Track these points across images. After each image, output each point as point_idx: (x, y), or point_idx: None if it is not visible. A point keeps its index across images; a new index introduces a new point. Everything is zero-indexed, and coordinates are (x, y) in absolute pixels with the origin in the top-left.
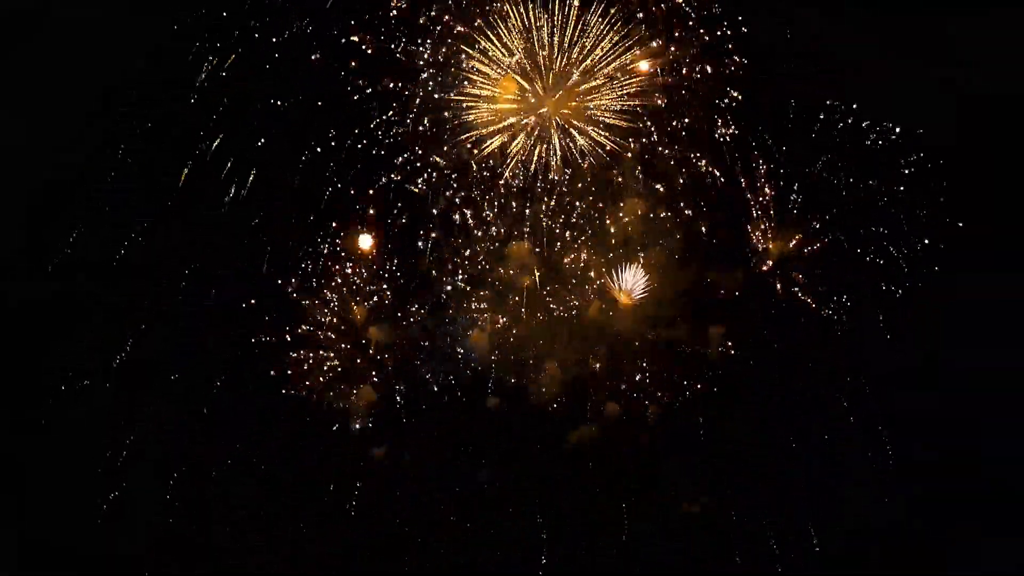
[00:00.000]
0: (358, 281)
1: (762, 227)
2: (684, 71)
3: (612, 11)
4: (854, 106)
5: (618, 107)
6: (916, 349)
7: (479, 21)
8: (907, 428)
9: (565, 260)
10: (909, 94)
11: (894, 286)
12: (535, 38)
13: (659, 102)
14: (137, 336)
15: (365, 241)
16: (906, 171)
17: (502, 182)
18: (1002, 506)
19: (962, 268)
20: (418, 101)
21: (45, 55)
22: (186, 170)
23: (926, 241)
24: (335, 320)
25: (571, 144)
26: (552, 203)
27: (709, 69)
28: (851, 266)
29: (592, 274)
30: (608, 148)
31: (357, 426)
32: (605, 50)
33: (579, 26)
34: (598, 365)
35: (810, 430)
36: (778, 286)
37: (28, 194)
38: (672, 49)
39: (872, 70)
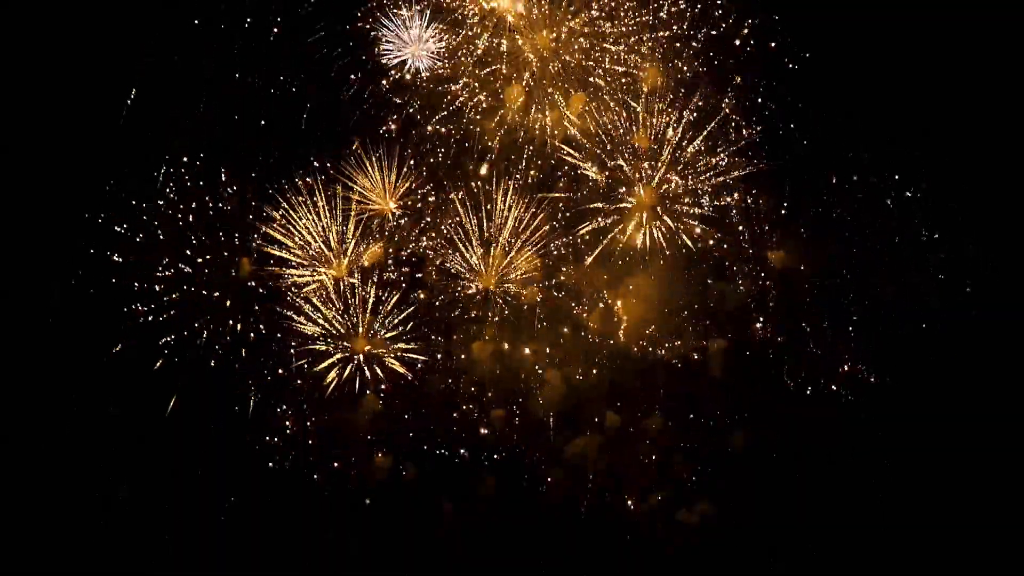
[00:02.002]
0: (362, 290)
1: (765, 238)
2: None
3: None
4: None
5: None
6: (918, 355)
7: None
8: (908, 432)
9: (568, 270)
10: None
11: (899, 294)
12: None
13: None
14: (136, 339)
15: (371, 254)
16: (909, 177)
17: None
18: (1000, 506)
19: (968, 274)
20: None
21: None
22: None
23: (931, 251)
24: (338, 329)
25: None
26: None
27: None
28: (855, 275)
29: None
30: None
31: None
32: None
33: None
34: (598, 375)
35: (811, 438)
36: (782, 298)
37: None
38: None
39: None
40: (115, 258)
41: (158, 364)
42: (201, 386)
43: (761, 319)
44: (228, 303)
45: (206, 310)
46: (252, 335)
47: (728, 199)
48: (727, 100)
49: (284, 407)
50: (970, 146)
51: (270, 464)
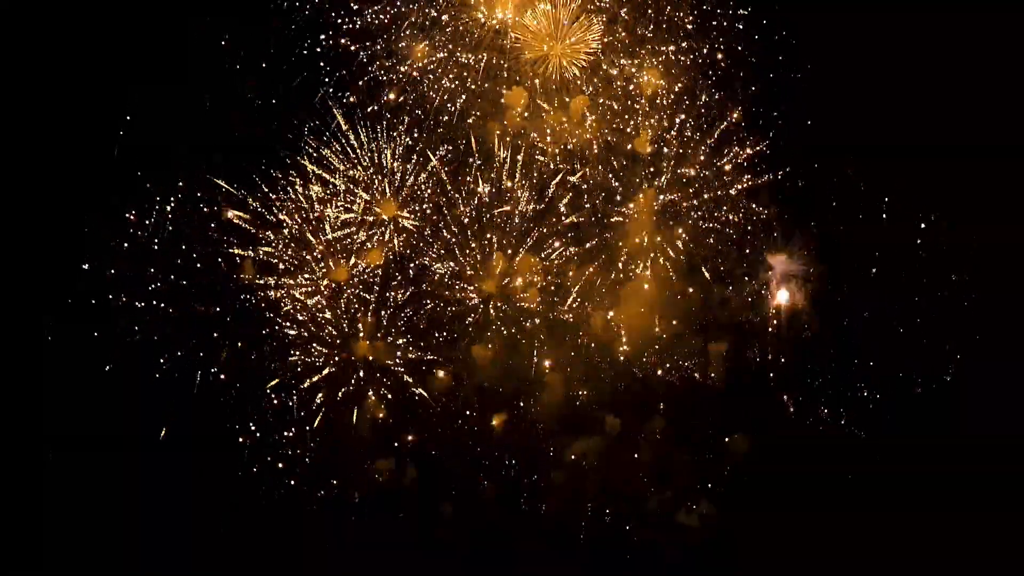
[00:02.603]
0: (363, 295)
1: (767, 241)
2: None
3: None
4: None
5: None
6: (921, 363)
7: None
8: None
9: (569, 274)
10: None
11: (902, 302)
12: None
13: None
14: (133, 346)
15: (374, 257)
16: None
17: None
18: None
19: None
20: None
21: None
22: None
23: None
24: (339, 334)
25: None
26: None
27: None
28: (856, 278)
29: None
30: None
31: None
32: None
33: None
34: (599, 379)
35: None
36: (783, 303)
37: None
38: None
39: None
40: (109, 271)
41: (152, 382)
42: (199, 400)
43: (761, 331)
44: (228, 318)
45: (202, 325)
46: (251, 347)
47: (729, 212)
48: (730, 113)
49: (284, 416)
50: (975, 157)
51: (273, 480)
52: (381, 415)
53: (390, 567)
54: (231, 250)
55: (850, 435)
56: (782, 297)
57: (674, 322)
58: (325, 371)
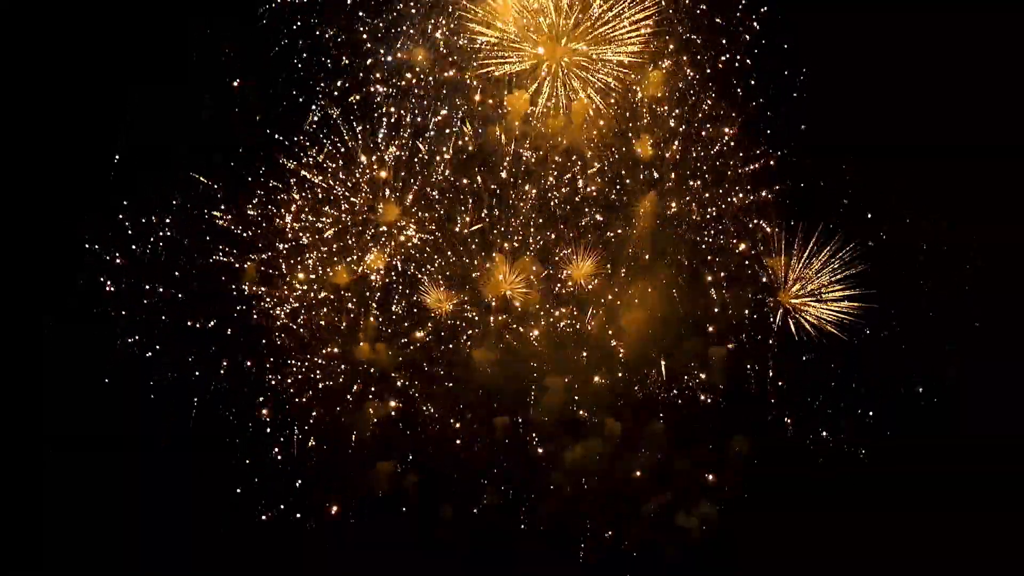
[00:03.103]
0: (365, 297)
1: (768, 247)
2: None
3: None
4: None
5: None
6: (922, 367)
7: None
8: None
9: (571, 279)
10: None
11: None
12: None
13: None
14: (129, 353)
15: (375, 262)
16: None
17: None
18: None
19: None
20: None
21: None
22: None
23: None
24: (340, 339)
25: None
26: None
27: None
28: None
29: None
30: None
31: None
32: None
33: None
34: (599, 382)
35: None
36: (786, 308)
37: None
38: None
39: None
40: (107, 281)
41: (153, 385)
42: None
43: (761, 337)
44: (227, 328)
45: (200, 334)
46: (251, 354)
47: (731, 220)
48: (733, 121)
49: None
50: (975, 157)
51: (274, 484)
52: (383, 419)
53: (390, 567)
54: (229, 258)
55: (850, 451)
56: (783, 302)
57: (675, 327)
58: (326, 377)
